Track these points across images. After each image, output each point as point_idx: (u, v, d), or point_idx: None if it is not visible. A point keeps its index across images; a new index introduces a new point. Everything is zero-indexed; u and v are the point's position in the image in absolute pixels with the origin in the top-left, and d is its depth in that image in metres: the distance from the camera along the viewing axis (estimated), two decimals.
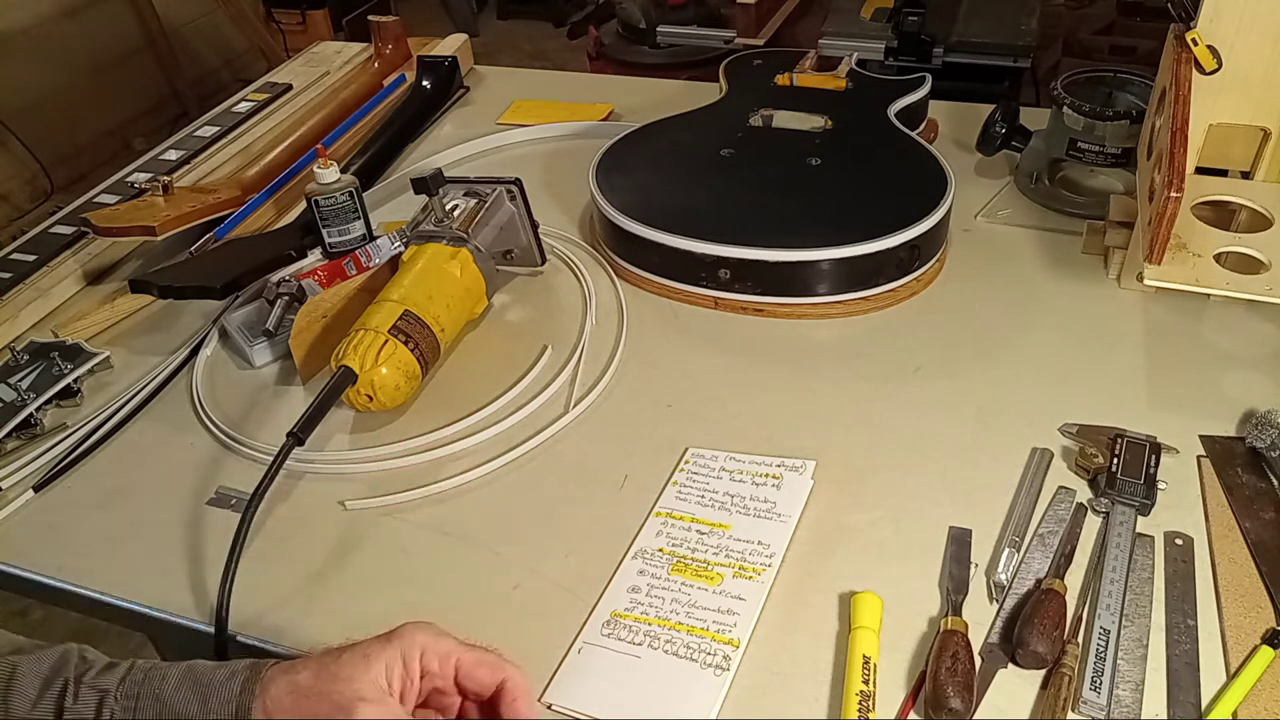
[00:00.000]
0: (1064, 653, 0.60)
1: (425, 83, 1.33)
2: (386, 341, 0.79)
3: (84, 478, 0.81)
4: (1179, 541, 0.67)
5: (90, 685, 0.46)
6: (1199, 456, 0.74)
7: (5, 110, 2.67)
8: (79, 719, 0.45)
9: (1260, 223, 0.86)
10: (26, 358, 0.89)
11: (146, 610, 0.69)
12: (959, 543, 0.68)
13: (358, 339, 0.79)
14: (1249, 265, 0.81)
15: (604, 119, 1.27)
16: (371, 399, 0.78)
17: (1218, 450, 0.74)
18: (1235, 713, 0.57)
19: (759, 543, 0.69)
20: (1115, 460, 0.71)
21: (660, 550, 0.69)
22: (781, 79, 1.13)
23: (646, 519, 0.72)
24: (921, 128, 1.12)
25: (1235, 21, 0.82)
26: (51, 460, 0.82)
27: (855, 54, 1.20)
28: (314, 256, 1.00)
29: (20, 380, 0.86)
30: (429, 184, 0.89)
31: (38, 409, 0.84)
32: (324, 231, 0.99)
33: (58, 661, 0.48)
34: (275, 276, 0.95)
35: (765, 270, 0.89)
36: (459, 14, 3.86)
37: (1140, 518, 0.68)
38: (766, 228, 0.90)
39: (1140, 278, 0.80)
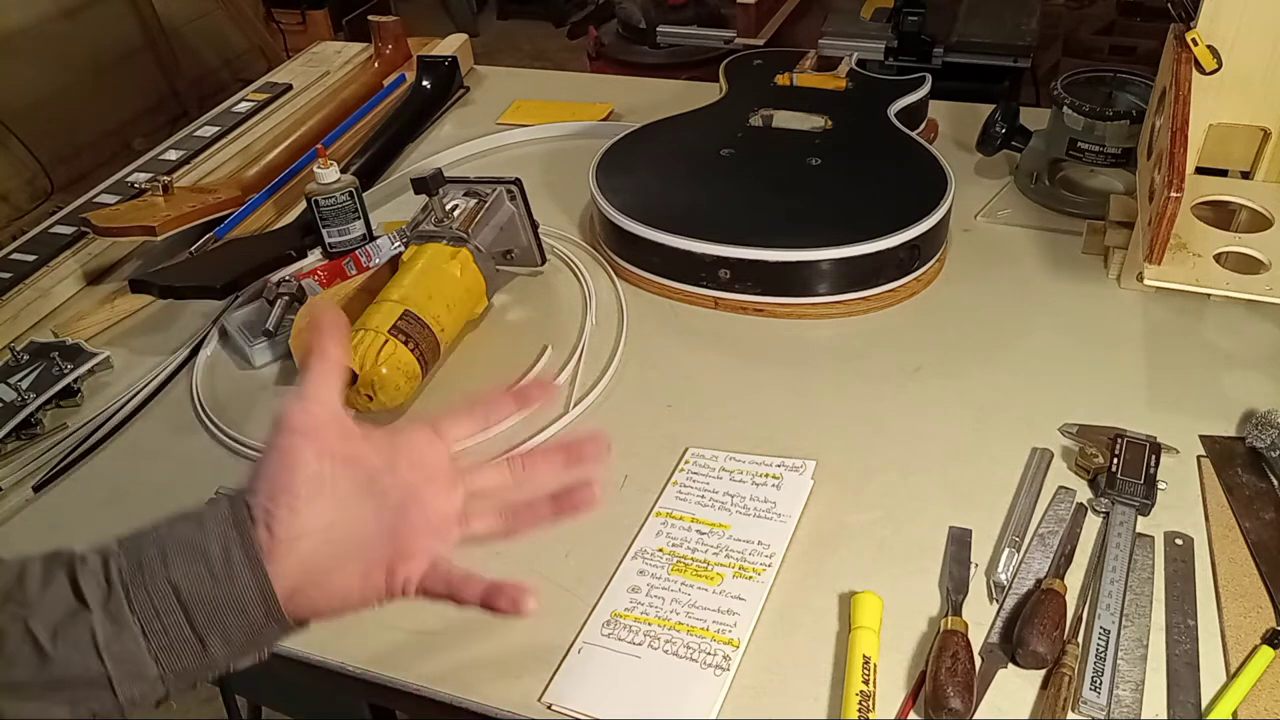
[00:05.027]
0: (1064, 653, 0.60)
1: (425, 83, 1.33)
2: (386, 341, 0.79)
3: (84, 478, 0.81)
4: (1179, 541, 0.67)
5: (92, 550, 0.46)
6: (1199, 456, 0.74)
7: (5, 110, 2.66)
8: (90, 573, 0.45)
9: (1260, 223, 0.86)
10: (26, 358, 0.89)
11: None
12: (959, 543, 0.68)
13: (358, 339, 0.79)
14: (1249, 265, 0.81)
15: (604, 119, 1.27)
16: (371, 399, 0.78)
17: (1218, 450, 0.74)
18: (1235, 713, 0.57)
19: (759, 543, 0.69)
20: (1115, 460, 0.71)
21: (660, 550, 0.69)
22: (781, 79, 1.13)
23: (646, 519, 0.72)
24: (921, 128, 1.12)
25: (1235, 21, 0.82)
26: (51, 460, 0.82)
27: (855, 54, 1.20)
28: (314, 256, 1.00)
29: (20, 380, 0.86)
30: (429, 184, 0.89)
31: (38, 409, 0.84)
32: (324, 231, 0.99)
33: (54, 551, 0.48)
34: (275, 276, 0.95)
35: (765, 270, 0.89)
36: (459, 14, 3.85)
37: (1140, 518, 0.68)
38: (766, 228, 0.90)
39: (1140, 278, 0.79)
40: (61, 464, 0.81)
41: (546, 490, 0.53)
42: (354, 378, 0.77)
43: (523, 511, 0.53)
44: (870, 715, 0.57)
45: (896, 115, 1.05)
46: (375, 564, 0.48)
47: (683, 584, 0.66)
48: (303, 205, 1.03)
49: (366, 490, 0.48)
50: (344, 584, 0.47)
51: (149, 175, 1.15)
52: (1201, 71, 0.84)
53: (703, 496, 0.73)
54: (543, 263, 0.98)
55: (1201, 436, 0.75)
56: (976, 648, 0.61)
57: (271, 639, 0.47)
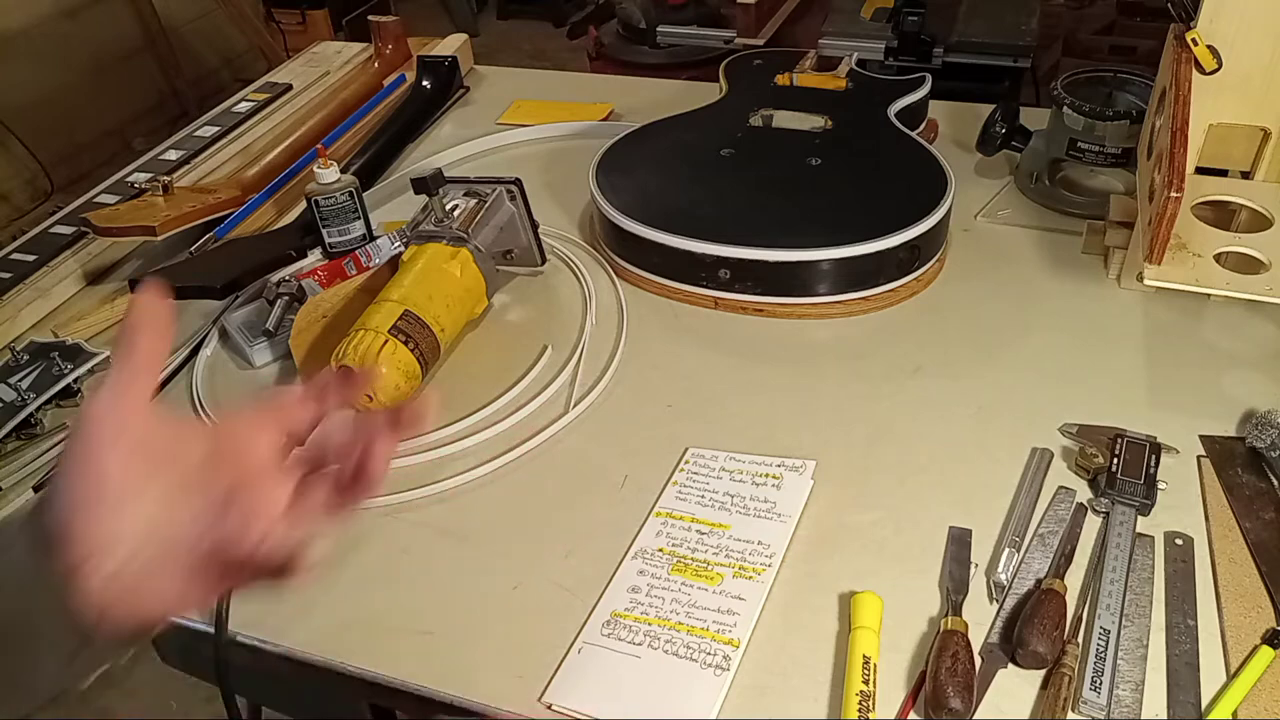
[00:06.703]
0: (1064, 653, 0.60)
1: (425, 83, 1.33)
2: (386, 342, 0.79)
3: None
4: (1179, 541, 0.67)
5: None
6: (1199, 456, 0.74)
7: (5, 110, 2.66)
8: None
9: (1260, 223, 0.86)
10: (26, 358, 0.89)
11: None
12: (959, 543, 0.68)
13: (358, 339, 0.79)
14: (1249, 265, 0.81)
15: (604, 119, 1.27)
16: (371, 399, 0.78)
17: (1218, 450, 0.74)
18: (1235, 713, 0.57)
19: (759, 543, 0.69)
20: (1115, 460, 0.71)
21: (660, 550, 0.69)
22: (781, 79, 1.13)
23: (646, 519, 0.72)
24: (921, 128, 1.12)
25: (1235, 21, 0.82)
26: (51, 460, 0.82)
27: (855, 54, 1.20)
28: (314, 256, 1.00)
29: (20, 380, 0.86)
30: (429, 184, 0.89)
31: (38, 409, 0.84)
32: (324, 231, 0.99)
33: None
34: (275, 276, 0.95)
35: (765, 270, 0.89)
36: (459, 14, 3.85)
37: (1140, 518, 0.68)
38: (766, 228, 0.90)
39: (1140, 278, 0.80)
40: None
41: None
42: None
43: (347, 490, 0.47)
44: (870, 715, 0.57)
45: (896, 115, 1.05)
46: (200, 564, 0.44)
47: (683, 584, 0.66)
48: (303, 205, 1.03)
49: (186, 488, 0.44)
50: (169, 587, 0.43)
51: (149, 175, 1.15)
52: (1201, 71, 0.84)
53: (703, 496, 0.73)
54: (543, 263, 0.98)
55: (1201, 436, 0.75)
56: (976, 648, 0.61)
57: (98, 660, 0.44)
